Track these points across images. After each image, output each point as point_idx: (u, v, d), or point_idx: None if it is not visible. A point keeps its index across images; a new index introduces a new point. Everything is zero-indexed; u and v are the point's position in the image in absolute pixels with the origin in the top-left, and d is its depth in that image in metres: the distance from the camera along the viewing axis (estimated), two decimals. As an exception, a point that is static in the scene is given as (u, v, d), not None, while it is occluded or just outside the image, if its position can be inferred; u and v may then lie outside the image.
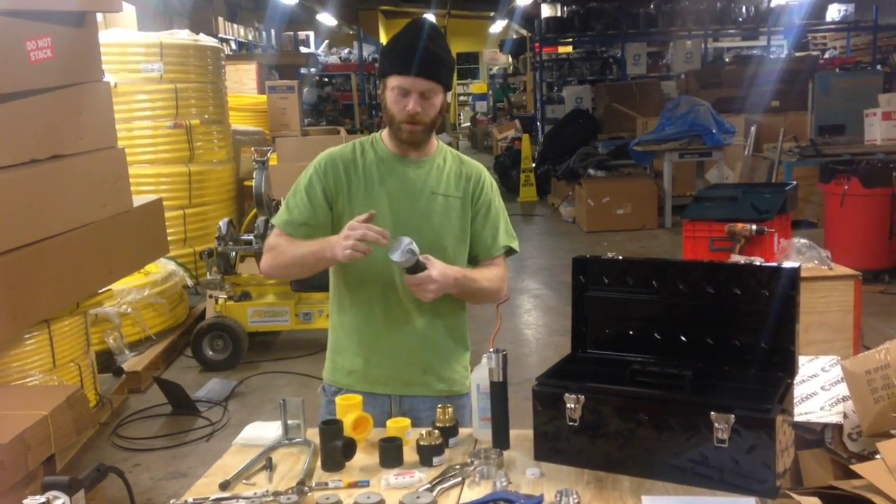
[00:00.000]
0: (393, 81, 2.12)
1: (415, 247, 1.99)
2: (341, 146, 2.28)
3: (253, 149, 6.48)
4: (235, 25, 14.97)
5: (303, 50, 17.22)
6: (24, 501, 1.47)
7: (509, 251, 2.32)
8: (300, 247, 2.16)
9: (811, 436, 2.47)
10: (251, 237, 5.76)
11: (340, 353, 2.31)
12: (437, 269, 2.05)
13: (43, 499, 1.49)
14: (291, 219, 2.21)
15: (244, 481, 1.92)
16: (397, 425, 2.07)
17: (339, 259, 2.03)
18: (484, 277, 2.24)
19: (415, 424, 2.14)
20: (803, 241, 3.66)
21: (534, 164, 12.59)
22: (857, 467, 2.09)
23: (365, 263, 2.13)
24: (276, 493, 1.79)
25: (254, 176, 5.87)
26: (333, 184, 2.21)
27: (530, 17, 17.34)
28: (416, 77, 2.09)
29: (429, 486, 1.82)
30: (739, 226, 4.53)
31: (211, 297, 5.79)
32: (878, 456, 2.07)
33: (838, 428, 2.42)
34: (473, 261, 2.31)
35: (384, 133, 2.27)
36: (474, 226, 2.27)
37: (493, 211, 2.29)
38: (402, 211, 2.20)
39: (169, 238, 5.48)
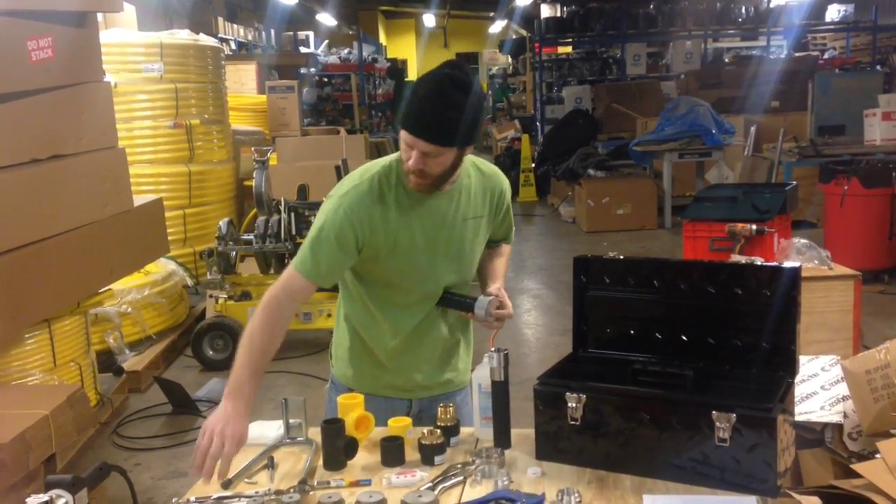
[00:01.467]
0: (402, 132, 2.01)
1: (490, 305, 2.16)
2: (363, 183, 2.09)
3: (253, 149, 6.49)
4: (235, 25, 14.97)
5: (302, 50, 17.22)
6: (28, 500, 1.47)
7: None
8: (239, 362, 1.98)
9: (811, 435, 2.47)
10: (251, 237, 5.75)
11: (363, 361, 2.28)
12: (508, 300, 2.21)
13: (46, 497, 1.49)
14: (319, 270, 2.04)
15: (246, 480, 1.92)
16: (399, 424, 2.07)
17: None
18: (507, 264, 2.43)
19: (431, 417, 2.16)
20: (803, 241, 3.67)
21: (533, 165, 12.59)
22: (858, 467, 2.10)
23: (407, 298, 2.18)
24: (279, 492, 1.79)
25: (254, 176, 5.87)
26: (370, 230, 2.06)
27: (530, 17, 17.35)
28: (418, 138, 1.96)
29: (430, 484, 1.83)
30: (739, 226, 4.54)
31: (211, 296, 5.79)
32: (878, 455, 2.08)
33: (838, 427, 2.43)
34: (487, 244, 2.36)
35: None
36: (496, 225, 2.33)
37: (509, 211, 2.37)
38: (440, 244, 2.15)
39: (169, 238, 5.48)
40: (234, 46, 14.60)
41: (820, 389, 2.53)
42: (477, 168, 2.24)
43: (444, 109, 1.94)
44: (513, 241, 2.49)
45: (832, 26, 16.09)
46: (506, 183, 2.33)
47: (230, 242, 5.73)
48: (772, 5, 14.96)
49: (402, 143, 2.01)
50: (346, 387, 2.30)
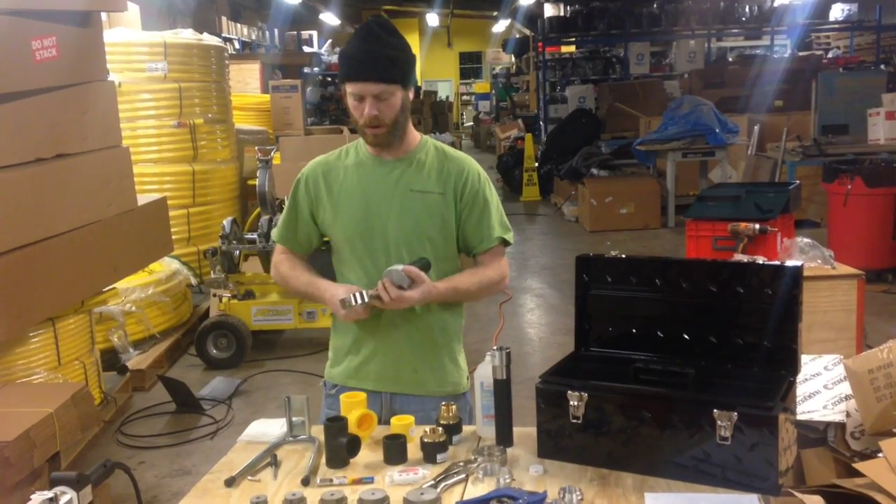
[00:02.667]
0: (347, 88, 2.14)
1: (402, 277, 2.09)
2: (328, 154, 2.34)
3: (256, 148, 6.49)
4: (239, 25, 14.99)
5: (306, 49, 17.25)
6: (33, 496, 1.48)
7: (504, 243, 2.30)
8: (300, 278, 2.30)
9: (814, 434, 2.47)
10: (255, 236, 5.77)
11: (337, 350, 2.34)
12: (419, 289, 2.11)
13: (51, 494, 1.50)
14: (283, 233, 2.36)
15: (249, 478, 1.93)
16: (401, 422, 2.08)
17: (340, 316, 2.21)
18: (474, 282, 2.24)
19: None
20: (806, 240, 3.67)
21: (537, 164, 12.59)
22: (860, 465, 2.10)
23: (355, 266, 2.21)
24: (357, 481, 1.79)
25: (257, 175, 5.89)
26: (315, 195, 2.28)
27: (533, 16, 17.34)
28: (366, 82, 2.09)
29: (433, 482, 1.83)
30: (743, 225, 4.53)
31: (215, 295, 5.80)
32: (880, 454, 2.08)
33: (841, 426, 2.43)
34: (469, 254, 2.31)
35: None
36: (464, 219, 2.25)
37: (483, 202, 2.25)
38: (380, 210, 2.21)
39: (173, 237, 5.49)
40: (237, 46, 14.61)
41: (822, 388, 2.53)
42: (441, 150, 2.29)
43: (380, 48, 2.10)
44: (502, 258, 2.30)
45: (836, 25, 16.06)
46: (473, 168, 2.27)
47: (234, 241, 5.74)
48: (775, 4, 14.92)
49: (351, 99, 2.14)
50: (331, 384, 2.34)
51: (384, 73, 2.10)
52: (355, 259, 2.24)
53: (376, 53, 2.09)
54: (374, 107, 2.11)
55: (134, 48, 7.03)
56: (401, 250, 2.20)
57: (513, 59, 23.51)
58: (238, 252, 5.85)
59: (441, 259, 2.25)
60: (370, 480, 1.88)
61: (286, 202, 2.35)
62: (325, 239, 2.38)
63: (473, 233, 2.26)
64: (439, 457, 1.96)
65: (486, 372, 2.05)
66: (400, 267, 2.09)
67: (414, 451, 1.99)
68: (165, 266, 5.98)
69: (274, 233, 2.41)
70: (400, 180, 2.22)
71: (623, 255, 2.17)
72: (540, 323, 6.53)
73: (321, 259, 2.41)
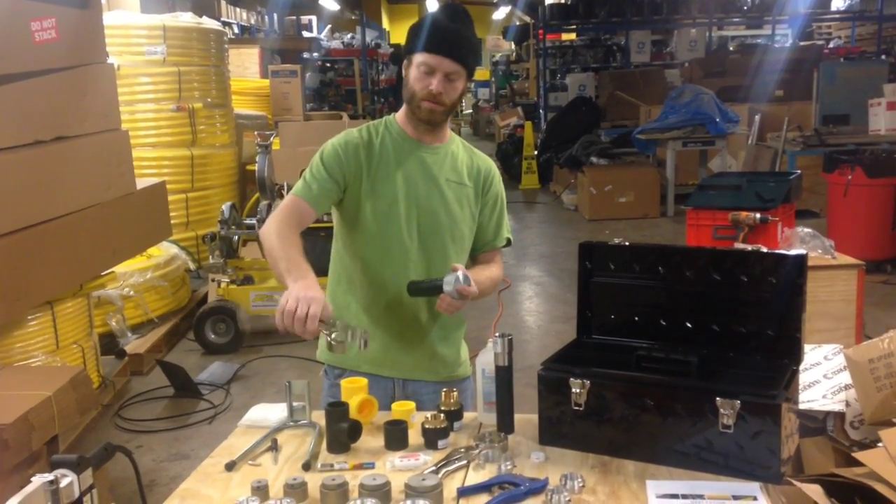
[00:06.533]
0: (419, 58, 2.10)
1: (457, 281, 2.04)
2: (355, 129, 2.24)
3: (255, 133, 6.47)
4: (238, 9, 14.91)
5: (305, 34, 17.18)
6: (33, 479, 1.47)
7: (506, 242, 2.37)
8: (282, 257, 2.00)
9: (813, 424, 2.47)
10: (254, 221, 5.76)
11: None
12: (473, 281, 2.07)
13: (51, 476, 1.49)
14: (311, 192, 2.15)
15: (249, 462, 1.92)
16: (402, 408, 2.08)
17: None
18: (488, 277, 2.26)
19: (417, 409, 2.15)
20: (807, 230, 3.68)
21: (536, 152, 12.56)
22: (859, 455, 2.10)
23: (384, 249, 2.18)
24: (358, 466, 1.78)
25: (256, 160, 5.87)
26: (354, 165, 2.17)
27: (534, 3, 17.25)
28: (445, 57, 2.08)
29: (434, 468, 1.83)
30: (743, 214, 4.52)
31: (213, 280, 5.79)
32: (880, 444, 2.08)
33: (840, 416, 2.43)
34: (472, 251, 2.32)
35: (398, 116, 2.25)
36: (481, 217, 2.29)
37: (500, 204, 2.32)
38: (420, 195, 2.19)
39: (171, 221, 5.48)
40: (236, 30, 14.54)
41: (822, 378, 2.53)
42: (468, 146, 2.32)
43: (466, 33, 2.13)
44: (501, 257, 2.38)
45: (837, 15, 16.04)
46: (495, 168, 2.35)
47: (232, 227, 5.73)
48: (777, -6, 14.88)
49: (420, 69, 2.10)
50: (337, 371, 2.31)
51: (464, 55, 2.11)
52: (376, 238, 2.18)
53: (462, 34, 2.11)
54: (441, 83, 2.10)
55: (133, 31, 6.99)
56: (425, 238, 2.19)
57: (513, 46, 23.41)
58: (237, 237, 5.84)
59: (463, 252, 2.27)
60: (371, 466, 1.87)
61: (311, 164, 2.18)
62: (327, 225, 2.35)
63: (488, 231, 2.31)
64: (440, 443, 1.95)
65: (487, 359, 2.04)
66: (457, 274, 2.03)
67: (415, 436, 1.99)
68: (164, 250, 5.97)
69: (299, 189, 2.17)
70: (439, 168, 2.22)
71: (626, 243, 2.16)
72: (538, 311, 6.54)
73: (318, 246, 2.38)
